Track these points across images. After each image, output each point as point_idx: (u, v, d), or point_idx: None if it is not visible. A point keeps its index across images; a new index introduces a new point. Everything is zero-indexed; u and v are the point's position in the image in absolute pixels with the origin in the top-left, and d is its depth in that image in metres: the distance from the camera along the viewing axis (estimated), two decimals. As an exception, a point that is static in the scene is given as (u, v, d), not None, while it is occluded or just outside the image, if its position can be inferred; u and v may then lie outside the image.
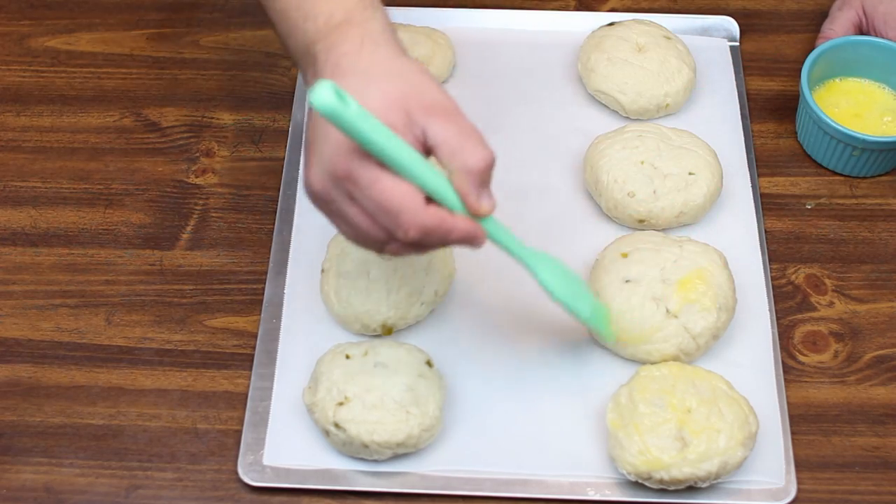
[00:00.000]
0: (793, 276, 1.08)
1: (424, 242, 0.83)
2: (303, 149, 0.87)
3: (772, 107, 1.20)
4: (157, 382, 1.01)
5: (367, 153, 0.80)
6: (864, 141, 1.09)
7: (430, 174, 0.82)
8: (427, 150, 0.83)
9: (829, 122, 1.10)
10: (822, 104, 1.14)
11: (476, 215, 0.84)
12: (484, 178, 0.83)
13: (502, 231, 0.89)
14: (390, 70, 0.84)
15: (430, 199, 0.83)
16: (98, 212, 1.12)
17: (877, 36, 1.17)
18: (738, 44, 1.25)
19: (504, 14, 1.26)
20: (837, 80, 1.17)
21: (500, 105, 1.19)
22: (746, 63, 1.23)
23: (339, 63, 0.84)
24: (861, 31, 1.19)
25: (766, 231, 1.10)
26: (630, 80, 1.15)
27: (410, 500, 0.95)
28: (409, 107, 0.82)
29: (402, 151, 0.80)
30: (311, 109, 0.84)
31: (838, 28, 1.18)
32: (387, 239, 0.84)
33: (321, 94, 0.76)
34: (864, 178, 1.14)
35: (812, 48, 1.17)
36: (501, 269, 1.07)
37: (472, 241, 0.85)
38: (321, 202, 0.85)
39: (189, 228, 1.11)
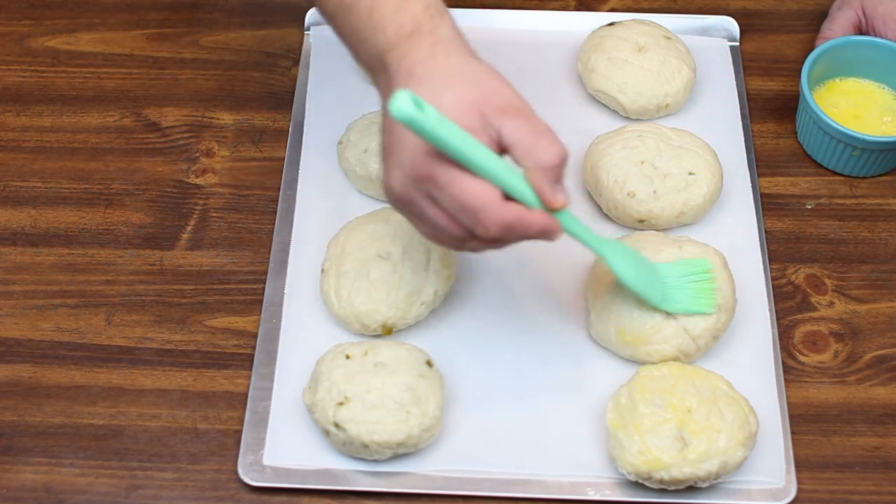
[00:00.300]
0: (793, 276, 1.08)
1: (504, 238, 0.86)
2: (380, 155, 0.91)
3: (772, 107, 1.20)
4: (157, 382, 1.01)
5: (445, 155, 0.83)
6: (863, 141, 1.09)
7: (507, 172, 0.84)
8: (502, 150, 0.86)
9: (829, 121, 1.10)
10: (822, 104, 1.14)
11: (551, 209, 0.86)
12: (557, 173, 0.86)
13: (576, 223, 0.91)
14: (463, 74, 0.86)
15: (507, 197, 0.85)
16: (98, 212, 1.12)
17: (876, 36, 1.17)
18: (738, 44, 1.25)
19: (504, 14, 1.26)
20: (837, 80, 1.17)
21: (501, 105, 1.19)
22: (746, 63, 1.23)
23: (412, 71, 0.86)
24: (860, 31, 1.19)
25: (766, 231, 1.10)
26: (630, 80, 1.15)
27: (410, 500, 0.95)
28: (483, 109, 0.85)
29: (479, 152, 0.83)
30: (386, 116, 0.87)
31: (837, 28, 1.18)
32: (467, 237, 0.86)
33: (400, 104, 0.79)
34: (864, 178, 1.14)
35: (812, 48, 1.17)
36: (501, 269, 1.07)
37: (548, 234, 0.87)
38: (402, 204, 0.88)
39: (189, 228, 1.11)
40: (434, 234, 0.88)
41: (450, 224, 0.86)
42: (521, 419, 0.98)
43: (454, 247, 0.89)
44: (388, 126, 0.87)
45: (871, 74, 1.17)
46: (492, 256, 1.07)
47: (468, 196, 0.83)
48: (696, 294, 0.99)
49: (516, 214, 0.84)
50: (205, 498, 0.96)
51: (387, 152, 0.88)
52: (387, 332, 1.01)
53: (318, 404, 0.95)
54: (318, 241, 1.08)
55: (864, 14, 1.18)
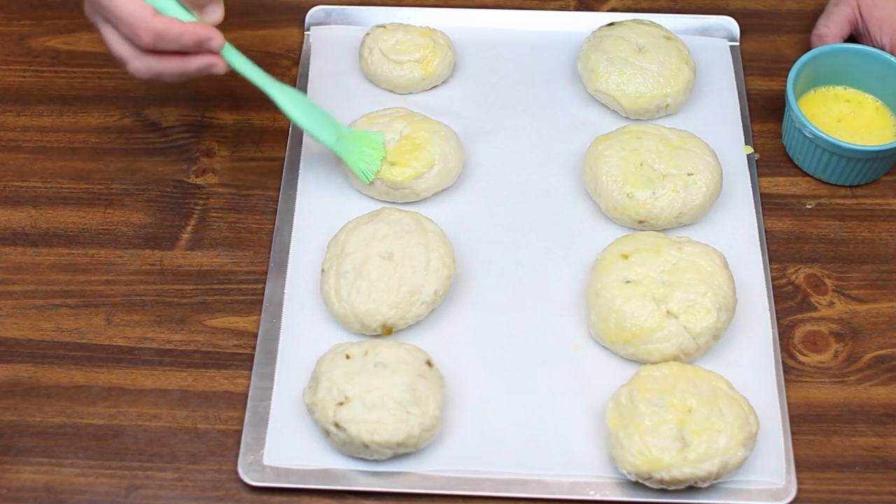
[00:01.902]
0: (793, 276, 1.08)
1: (160, 45, 0.98)
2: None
3: (772, 107, 1.20)
4: (157, 382, 1.01)
5: None
6: (849, 150, 1.09)
7: None
8: None
9: (813, 128, 1.10)
10: (808, 112, 1.14)
11: (205, 20, 1.00)
12: None
13: (239, 56, 1.04)
14: None
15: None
16: (98, 212, 1.12)
17: (870, 39, 1.17)
18: (738, 44, 1.25)
19: (504, 14, 1.26)
20: (824, 88, 1.17)
21: (500, 105, 1.19)
22: (746, 63, 1.23)
23: None
24: (855, 29, 1.19)
25: (766, 231, 1.10)
26: (630, 80, 1.15)
27: (410, 500, 0.95)
28: None
29: None
30: None
31: (833, 25, 1.18)
32: (134, 53, 0.99)
33: None
34: (851, 186, 1.14)
35: (812, 48, 1.17)
36: (501, 269, 1.07)
37: (207, 45, 0.99)
38: (96, 29, 1.02)
39: (189, 228, 1.11)
40: (114, 52, 1.01)
41: (118, 41, 1.00)
42: (521, 419, 0.98)
43: (132, 69, 1.00)
44: None
45: (859, 83, 1.16)
46: (492, 256, 1.08)
47: (121, 11, 0.97)
48: (365, 158, 1.08)
49: (167, 23, 0.97)
50: (205, 498, 0.96)
51: None
52: (387, 332, 1.01)
53: (318, 404, 0.95)
54: (318, 241, 1.08)
55: (860, 14, 1.18)
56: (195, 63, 1.01)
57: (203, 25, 1.00)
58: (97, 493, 0.96)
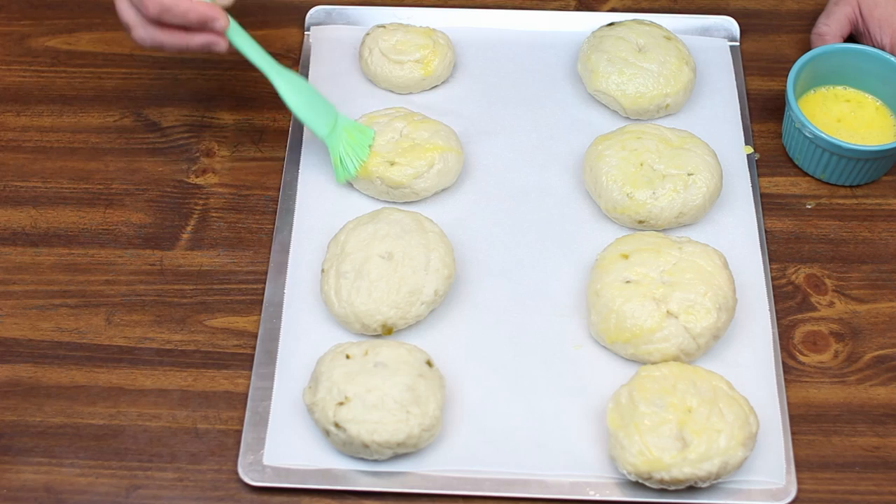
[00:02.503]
0: (793, 276, 1.08)
1: (164, 19, 1.00)
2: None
3: (772, 107, 1.20)
4: (157, 382, 1.01)
5: None
6: (849, 150, 1.09)
7: None
8: None
9: (814, 129, 1.10)
10: (808, 112, 1.14)
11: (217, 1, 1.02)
12: None
13: (248, 42, 1.06)
14: None
15: None
16: (98, 212, 1.12)
17: (870, 38, 1.17)
18: (738, 44, 1.25)
19: (504, 14, 1.26)
20: (824, 88, 1.17)
21: (500, 105, 1.19)
22: (746, 63, 1.23)
23: None
24: (855, 28, 1.19)
25: (766, 231, 1.10)
26: (630, 80, 1.15)
27: (410, 500, 0.95)
28: None
29: None
30: None
31: (833, 23, 1.18)
32: (138, 21, 1.02)
33: None
34: (852, 186, 1.14)
35: (811, 48, 1.17)
36: (501, 268, 1.07)
37: (212, 25, 1.01)
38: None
39: (189, 228, 1.11)
40: (122, 17, 1.03)
41: (126, 7, 1.02)
42: (521, 419, 0.98)
43: (136, 36, 1.03)
44: None
45: (859, 83, 1.16)
46: (492, 256, 1.08)
47: None
48: (351, 154, 1.09)
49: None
50: (205, 498, 0.96)
51: None
52: (387, 332, 1.01)
53: (318, 404, 0.95)
54: (318, 241, 1.08)
55: (860, 13, 1.18)
56: (197, 40, 1.03)
57: (210, 5, 1.01)
58: (97, 493, 0.96)
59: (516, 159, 1.14)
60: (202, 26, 1.02)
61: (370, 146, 1.10)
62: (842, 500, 0.96)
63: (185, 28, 1.02)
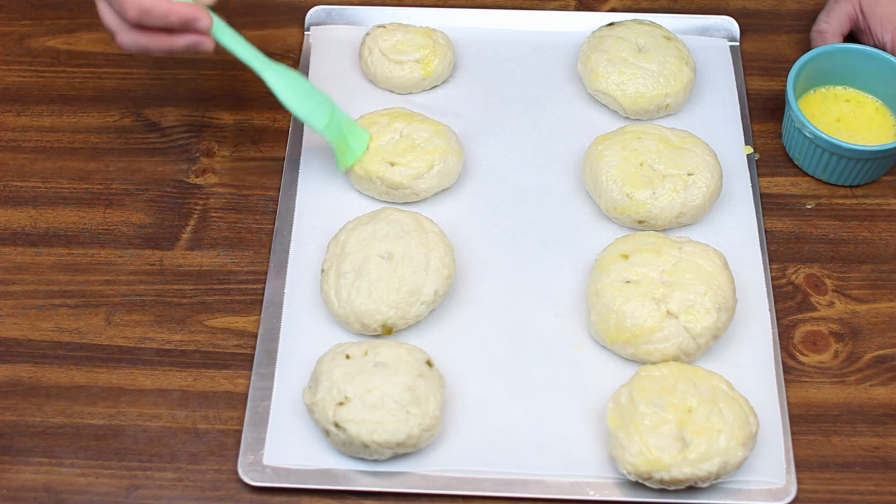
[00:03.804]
0: (793, 276, 1.08)
1: (145, 22, 0.99)
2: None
3: (772, 107, 1.20)
4: (157, 382, 1.01)
5: None
6: (849, 150, 1.09)
7: None
8: None
9: (814, 129, 1.10)
10: (808, 112, 1.14)
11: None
12: None
13: (235, 39, 1.04)
14: None
15: None
16: (98, 212, 1.12)
17: (870, 36, 1.17)
18: (738, 44, 1.25)
19: (504, 14, 1.26)
20: (824, 88, 1.17)
21: (500, 105, 1.19)
22: (746, 63, 1.23)
23: None
24: (856, 26, 1.19)
25: (766, 231, 1.10)
26: (630, 80, 1.15)
27: (410, 500, 0.95)
28: None
29: None
30: None
31: (833, 21, 1.18)
32: (121, 26, 1.01)
33: None
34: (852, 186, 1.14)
35: (811, 48, 1.17)
36: (501, 269, 1.07)
37: (195, 24, 0.99)
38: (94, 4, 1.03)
39: (189, 228, 1.11)
40: (105, 23, 1.02)
41: (108, 13, 1.01)
42: (521, 419, 0.98)
43: (119, 41, 1.01)
44: None
45: (859, 83, 1.16)
46: (492, 256, 1.08)
47: None
48: (347, 150, 1.09)
49: (154, 1, 0.97)
50: (205, 498, 0.96)
51: None
52: (387, 332, 1.01)
53: (318, 404, 0.95)
54: (318, 241, 1.08)
55: (861, 11, 1.18)
56: (182, 41, 1.01)
57: (191, 5, 0.99)
58: (97, 493, 0.96)
59: (516, 159, 1.15)
60: (185, 27, 1.00)
61: (366, 145, 1.10)
62: (842, 500, 0.96)
63: (169, 30, 1.01)
